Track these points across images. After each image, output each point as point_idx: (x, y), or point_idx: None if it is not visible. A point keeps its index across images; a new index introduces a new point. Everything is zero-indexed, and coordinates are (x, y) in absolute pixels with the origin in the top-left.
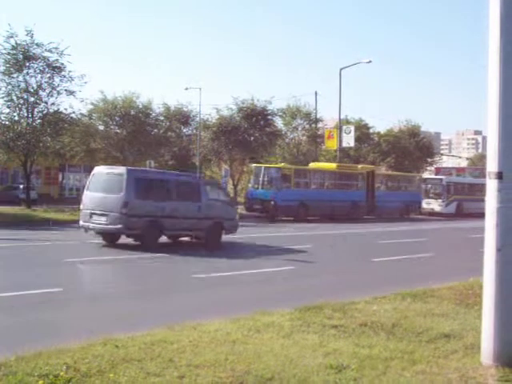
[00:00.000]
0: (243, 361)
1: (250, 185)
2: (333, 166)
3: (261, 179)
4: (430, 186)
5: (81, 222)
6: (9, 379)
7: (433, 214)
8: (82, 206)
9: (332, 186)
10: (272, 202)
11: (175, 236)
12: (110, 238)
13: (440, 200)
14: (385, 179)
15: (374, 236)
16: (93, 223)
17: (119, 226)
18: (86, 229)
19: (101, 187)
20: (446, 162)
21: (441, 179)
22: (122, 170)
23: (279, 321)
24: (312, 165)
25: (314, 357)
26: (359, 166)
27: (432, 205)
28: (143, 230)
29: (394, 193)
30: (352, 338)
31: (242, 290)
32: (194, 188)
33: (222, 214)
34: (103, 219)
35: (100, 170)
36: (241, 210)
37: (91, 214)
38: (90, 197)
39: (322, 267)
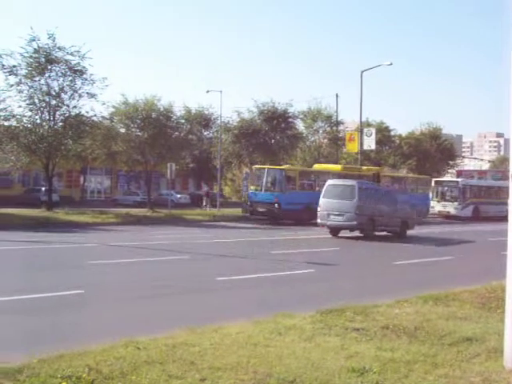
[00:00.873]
0: (265, 363)
1: (251, 188)
2: (338, 167)
3: (264, 181)
4: (446, 188)
5: (319, 221)
6: (32, 381)
7: (449, 217)
8: (319, 209)
9: None
10: (276, 205)
11: (378, 230)
12: (336, 232)
13: (456, 203)
14: (391, 181)
15: (392, 239)
16: (330, 221)
17: (354, 222)
18: (324, 225)
19: (336, 195)
20: (468, 164)
21: (457, 182)
22: (353, 182)
23: (301, 324)
24: (317, 166)
25: (335, 360)
26: (364, 168)
27: (448, 208)
28: (366, 225)
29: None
30: (374, 341)
31: (263, 292)
32: (391, 195)
33: (407, 214)
34: (340, 218)
35: (333, 182)
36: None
37: (328, 215)
38: (326, 202)
39: (344, 270)
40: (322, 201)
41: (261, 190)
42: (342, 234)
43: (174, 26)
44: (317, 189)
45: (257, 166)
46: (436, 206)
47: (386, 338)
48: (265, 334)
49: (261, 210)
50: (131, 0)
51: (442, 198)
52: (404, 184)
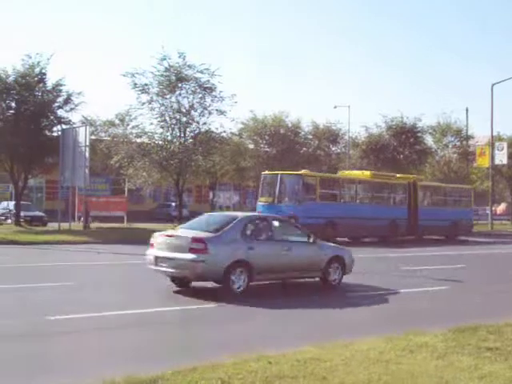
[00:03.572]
0: (397, 381)
1: (261, 199)
2: (367, 173)
3: (277, 191)
4: None
5: None
6: None
7: None
8: None
9: (366, 200)
10: (292, 220)
11: None
12: None
13: None
14: (429, 192)
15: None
16: None
17: None
18: None
19: None
20: None
21: None
22: None
23: (432, 341)
24: (341, 173)
25: (469, 379)
26: (398, 176)
27: None
28: None
29: (441, 209)
30: (508, 361)
31: (393, 309)
32: None
33: None
34: None
35: None
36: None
37: None
38: None
39: (474, 287)
40: None
41: (273, 201)
42: None
43: (302, 41)
44: (341, 200)
45: (267, 172)
46: None
47: None
48: (396, 351)
49: None
50: (257, 17)
51: None
52: (443, 195)
